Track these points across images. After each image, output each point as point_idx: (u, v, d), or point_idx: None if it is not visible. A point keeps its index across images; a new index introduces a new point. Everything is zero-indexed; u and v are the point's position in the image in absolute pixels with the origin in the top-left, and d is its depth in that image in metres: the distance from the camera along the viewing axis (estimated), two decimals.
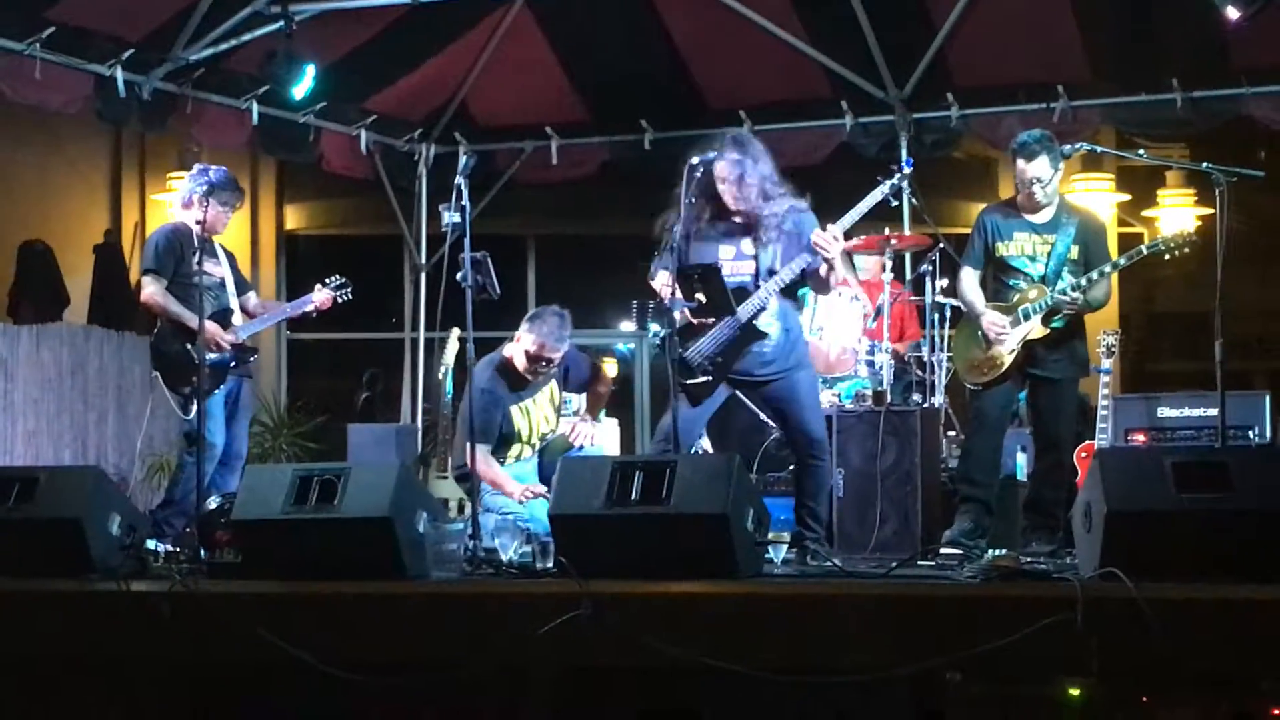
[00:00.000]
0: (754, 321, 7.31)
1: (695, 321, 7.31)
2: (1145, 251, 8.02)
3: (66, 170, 14.19)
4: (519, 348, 8.38)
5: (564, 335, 8.42)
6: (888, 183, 7.58)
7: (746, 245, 7.41)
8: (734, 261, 7.37)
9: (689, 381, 7.31)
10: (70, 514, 6.56)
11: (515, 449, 8.48)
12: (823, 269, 7.31)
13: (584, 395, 8.89)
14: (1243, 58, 10.24)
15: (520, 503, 8.08)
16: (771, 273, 7.33)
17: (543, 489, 8.05)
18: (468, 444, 7.82)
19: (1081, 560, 5.93)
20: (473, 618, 5.94)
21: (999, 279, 8.01)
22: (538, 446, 8.57)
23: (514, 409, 8.45)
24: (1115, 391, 9.37)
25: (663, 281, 7.48)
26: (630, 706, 5.93)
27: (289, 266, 15.47)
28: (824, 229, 7.27)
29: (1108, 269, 7.92)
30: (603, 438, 9.10)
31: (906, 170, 7.70)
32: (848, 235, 7.53)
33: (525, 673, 5.88)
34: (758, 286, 7.32)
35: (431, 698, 5.92)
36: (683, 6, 11.03)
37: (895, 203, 7.73)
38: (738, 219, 7.43)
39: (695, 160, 7.28)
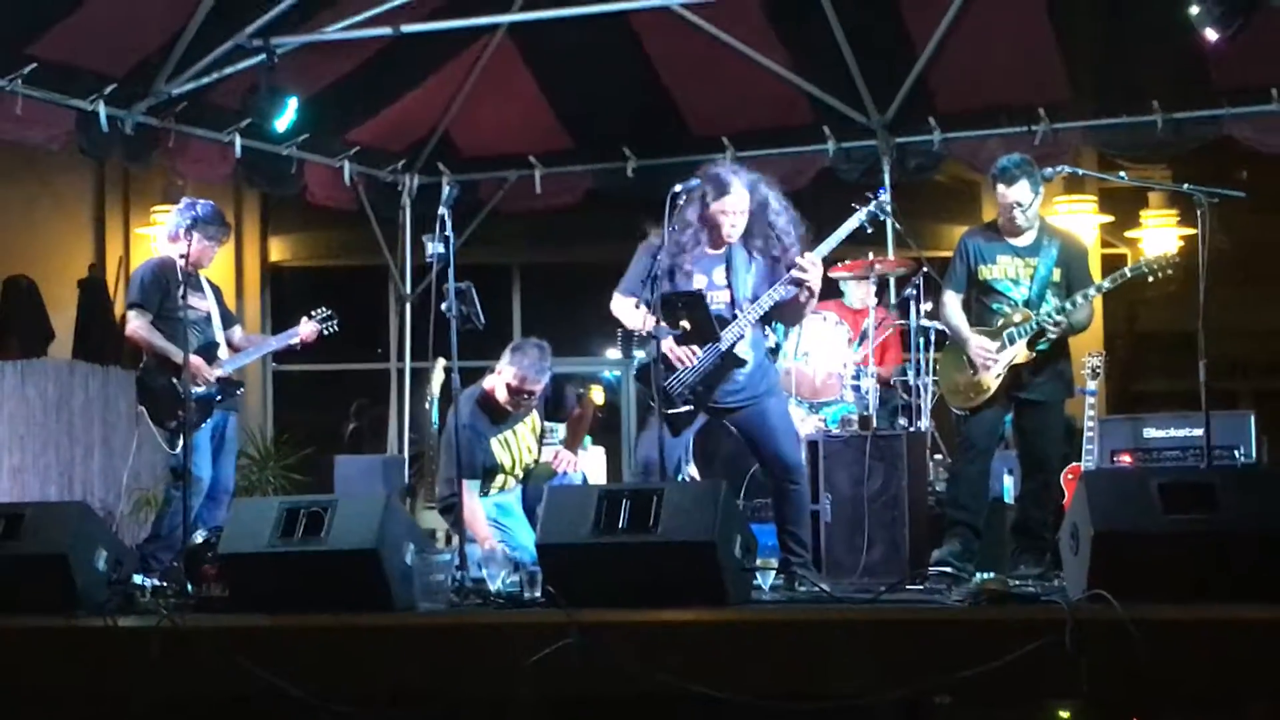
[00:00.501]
0: (733, 349, 7.31)
1: (670, 353, 7.29)
2: (1129, 274, 8.04)
3: (50, 205, 14.16)
4: (500, 380, 8.36)
5: (545, 367, 8.40)
6: (864, 210, 7.58)
7: (719, 275, 7.40)
8: (710, 290, 7.36)
9: (670, 411, 7.27)
10: (56, 550, 6.54)
11: (499, 479, 8.46)
12: (802, 295, 7.30)
13: (566, 425, 8.88)
14: (1223, 79, 10.28)
15: (484, 551, 7.94)
16: (752, 299, 7.33)
17: (500, 548, 7.98)
18: (447, 478, 7.83)
19: (1069, 582, 5.93)
20: (461, 649, 5.93)
21: (981, 302, 8.02)
22: (521, 476, 8.55)
23: (495, 442, 8.42)
24: (1101, 413, 9.38)
25: (628, 309, 7.47)
26: None
27: (274, 298, 15.45)
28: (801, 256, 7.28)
29: (1092, 292, 7.94)
30: (588, 465, 9.09)
31: (883, 197, 7.70)
32: (831, 262, 7.53)
33: (514, 703, 5.86)
34: (734, 315, 7.32)
35: None
36: (665, 34, 11.05)
37: (871, 230, 7.71)
38: (714, 249, 7.43)
39: (678, 188, 7.28)
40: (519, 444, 8.49)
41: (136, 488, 11.64)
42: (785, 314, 7.56)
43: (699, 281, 7.36)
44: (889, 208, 7.74)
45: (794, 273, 7.23)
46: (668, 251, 7.28)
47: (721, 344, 7.26)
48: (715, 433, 8.09)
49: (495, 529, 8.20)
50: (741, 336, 7.30)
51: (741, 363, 7.31)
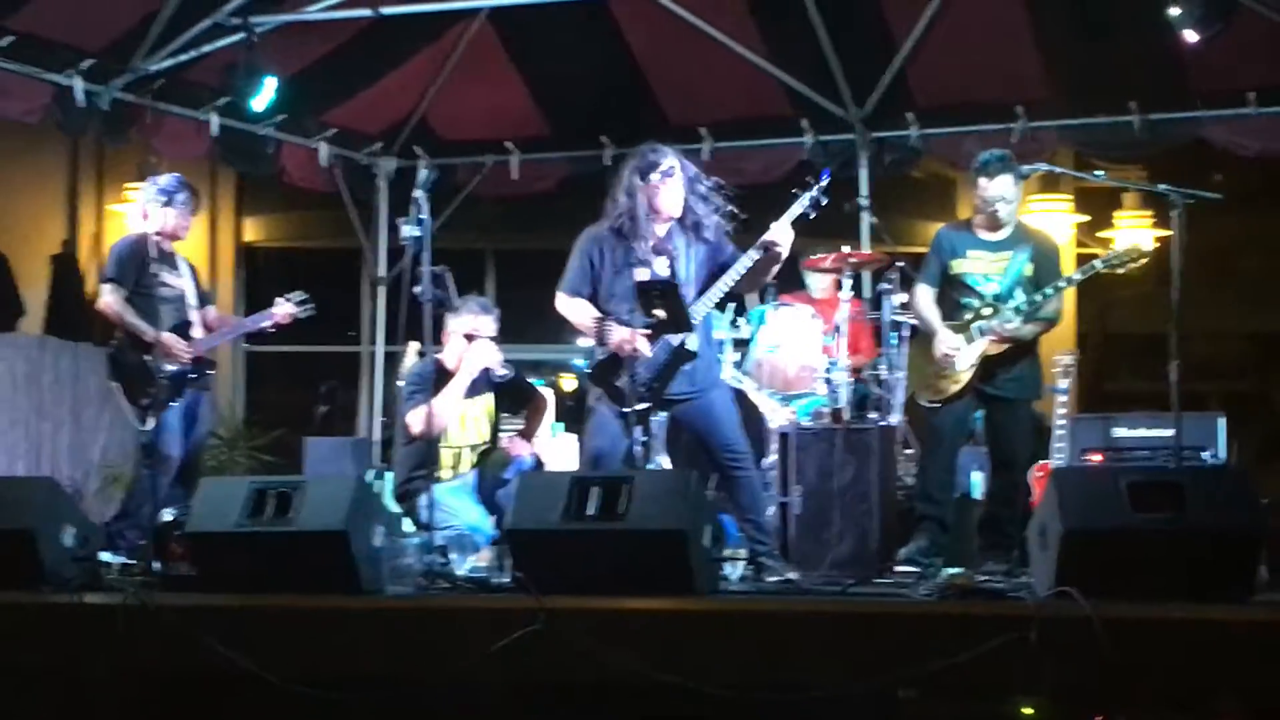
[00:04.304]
0: (684, 343, 7.30)
1: (622, 346, 7.27)
2: (1099, 266, 8.06)
3: (23, 179, 14.09)
4: (451, 346, 8.31)
5: (489, 307, 8.43)
6: (806, 195, 7.52)
7: (661, 265, 7.39)
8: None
9: (625, 410, 7.25)
10: (23, 525, 6.53)
11: (448, 457, 8.40)
12: (768, 264, 7.31)
13: (526, 413, 8.83)
14: (1201, 81, 10.31)
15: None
16: (698, 289, 7.33)
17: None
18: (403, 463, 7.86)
19: (1036, 579, 5.95)
20: (428, 632, 5.93)
21: (952, 297, 8.06)
22: (472, 459, 8.43)
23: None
24: (1072, 411, 9.39)
25: (575, 307, 7.47)
26: None
27: (248, 279, 15.40)
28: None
29: (1062, 284, 7.98)
30: (558, 453, 9.06)
31: (824, 181, 7.63)
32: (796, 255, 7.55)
33: (481, 688, 5.86)
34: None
35: (386, 713, 5.89)
36: (644, 23, 11.04)
37: (814, 216, 7.65)
38: (655, 235, 7.42)
39: (655, 176, 7.30)
40: (469, 414, 8.40)
41: (106, 465, 11.62)
42: (746, 282, 7.52)
43: (641, 275, 7.32)
44: (828, 191, 7.68)
45: (766, 239, 7.24)
46: (610, 243, 7.28)
47: (673, 338, 7.26)
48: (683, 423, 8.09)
49: (445, 513, 8.05)
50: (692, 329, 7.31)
51: (692, 355, 7.30)
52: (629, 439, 7.22)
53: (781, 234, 7.28)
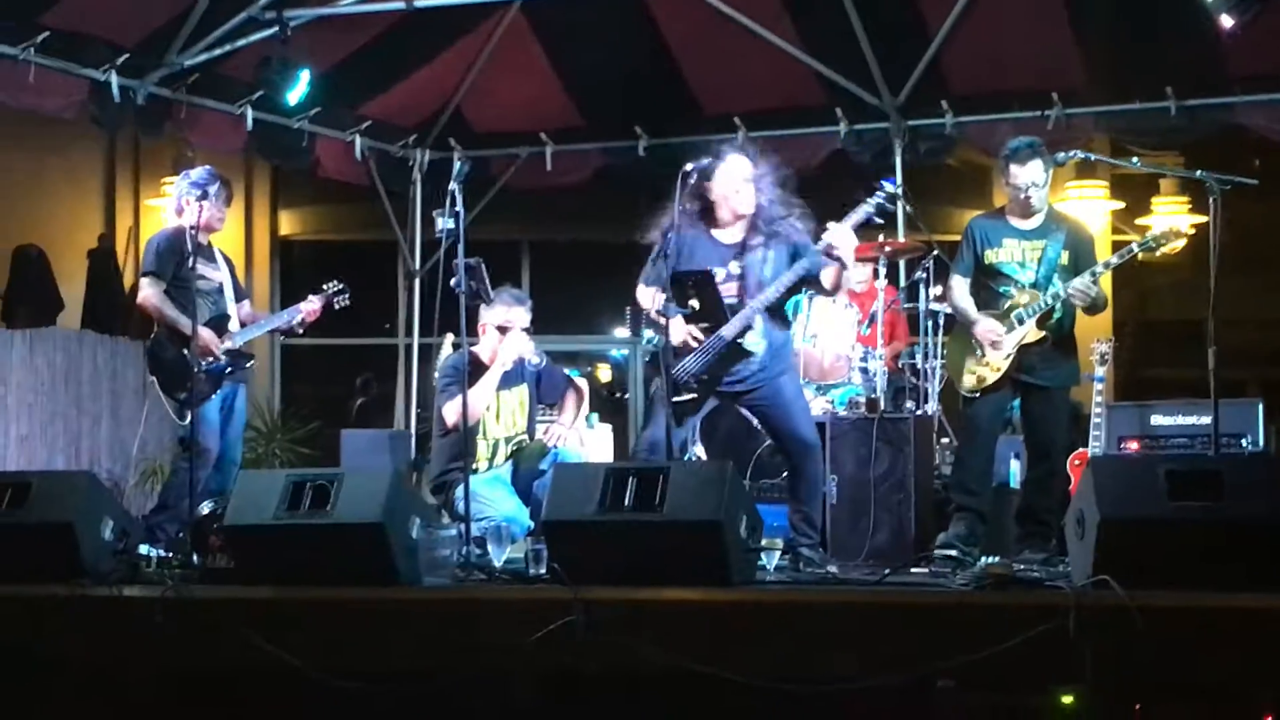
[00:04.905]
0: (739, 340, 7.29)
1: (678, 335, 7.30)
2: (1136, 250, 8.00)
3: (61, 175, 14.18)
4: (487, 337, 8.32)
5: (523, 298, 8.40)
6: (871, 201, 7.50)
7: (734, 267, 7.40)
8: (723, 284, 7.35)
9: (675, 400, 7.25)
10: (63, 518, 6.57)
11: (484, 449, 8.40)
12: (833, 270, 7.28)
13: (559, 408, 8.82)
14: (1237, 67, 10.25)
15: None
16: (761, 285, 7.32)
17: None
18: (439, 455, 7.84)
19: (1074, 568, 5.93)
20: (465, 624, 5.94)
21: (989, 286, 8.01)
22: (508, 450, 8.44)
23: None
24: (1109, 399, 9.37)
25: (648, 295, 7.47)
26: (622, 713, 5.92)
27: (283, 272, 15.47)
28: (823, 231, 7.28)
29: (1099, 268, 7.92)
30: (594, 444, 9.06)
31: (890, 187, 7.58)
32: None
33: (517, 679, 5.87)
34: (739, 306, 7.32)
35: (422, 704, 5.91)
36: (678, 13, 11.04)
37: (882, 221, 7.68)
38: (726, 238, 7.43)
39: (689, 167, 7.28)
40: (501, 408, 8.41)
41: (144, 458, 11.67)
42: (820, 287, 7.50)
43: (716, 274, 7.34)
44: (898, 198, 7.69)
45: (825, 242, 7.22)
46: (679, 231, 7.26)
47: (725, 333, 7.26)
48: (723, 414, 8.08)
49: (482, 504, 8.06)
50: (749, 327, 7.29)
51: (747, 355, 7.30)
52: (679, 429, 7.26)
53: (842, 237, 7.20)
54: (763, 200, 7.41)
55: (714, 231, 7.45)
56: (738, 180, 7.38)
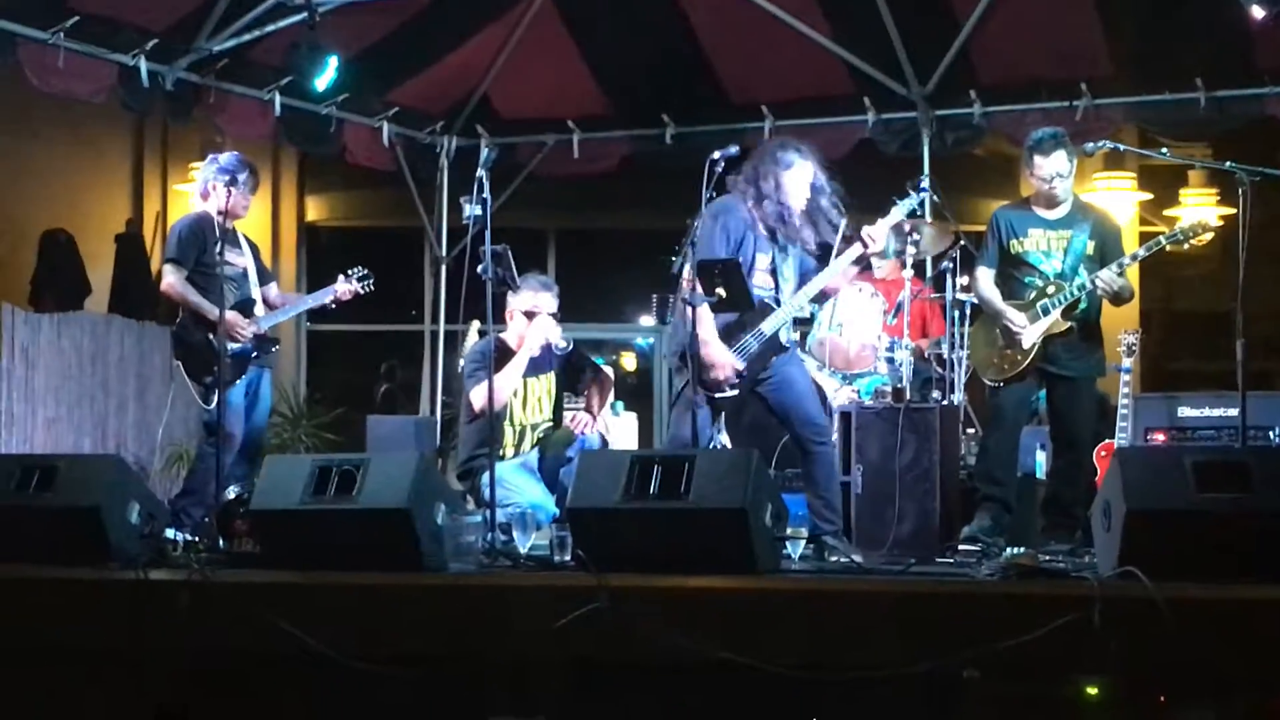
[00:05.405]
0: (777, 335, 7.48)
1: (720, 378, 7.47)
2: (1164, 242, 8.00)
3: (89, 160, 14.20)
4: (514, 323, 8.35)
5: (549, 284, 8.46)
6: (906, 202, 7.72)
7: (776, 260, 7.62)
8: (764, 272, 7.54)
9: (718, 396, 7.45)
10: (89, 502, 6.60)
11: (511, 435, 8.39)
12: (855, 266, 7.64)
13: (587, 391, 8.83)
14: (1267, 58, 10.20)
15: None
16: (789, 280, 7.54)
17: None
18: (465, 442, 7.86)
19: (1100, 559, 5.92)
20: (490, 610, 5.95)
21: (1014, 276, 8.01)
22: (534, 438, 8.45)
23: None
24: (1135, 390, 9.34)
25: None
26: (646, 700, 5.92)
27: (310, 257, 15.49)
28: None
29: (1127, 260, 7.92)
30: (619, 432, 9.05)
31: (925, 191, 8.00)
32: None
33: (541, 665, 5.88)
34: (778, 300, 7.53)
35: (447, 689, 5.92)
36: (706, 1, 11.01)
37: (921, 214, 7.87)
38: (764, 230, 7.55)
39: (717, 156, 7.30)
40: (530, 394, 8.42)
41: (170, 442, 11.70)
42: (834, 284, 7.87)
43: (761, 262, 7.56)
44: (933, 197, 7.87)
45: (865, 238, 7.54)
46: (750, 215, 7.51)
47: (765, 329, 7.46)
48: (747, 403, 8.10)
49: (508, 490, 8.05)
50: (785, 323, 7.56)
51: (785, 349, 7.55)
52: (716, 423, 7.52)
53: (880, 237, 7.58)
54: (817, 199, 7.65)
55: (759, 226, 7.61)
56: (804, 186, 7.61)
